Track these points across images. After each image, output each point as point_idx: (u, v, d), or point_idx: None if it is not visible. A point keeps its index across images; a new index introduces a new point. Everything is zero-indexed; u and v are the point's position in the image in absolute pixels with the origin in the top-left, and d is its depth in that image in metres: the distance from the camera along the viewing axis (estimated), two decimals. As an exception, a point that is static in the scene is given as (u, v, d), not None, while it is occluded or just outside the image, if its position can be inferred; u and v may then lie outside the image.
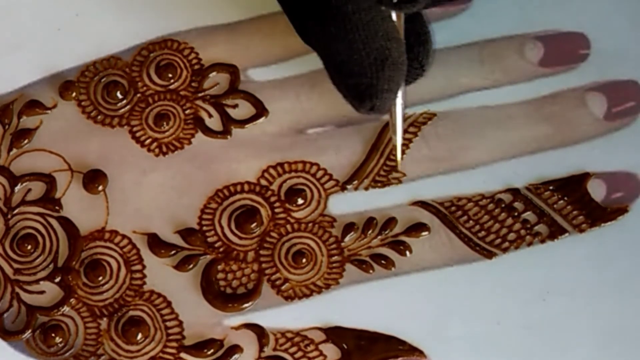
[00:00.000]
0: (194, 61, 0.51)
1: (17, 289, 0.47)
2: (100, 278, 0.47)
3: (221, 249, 0.47)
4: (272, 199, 0.48)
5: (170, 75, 0.50)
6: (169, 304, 0.46)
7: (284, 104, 0.50)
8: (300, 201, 0.48)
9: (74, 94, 0.50)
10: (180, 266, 0.47)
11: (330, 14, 0.43)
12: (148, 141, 0.49)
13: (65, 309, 0.46)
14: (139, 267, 0.47)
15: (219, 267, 0.47)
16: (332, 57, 0.44)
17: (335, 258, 0.47)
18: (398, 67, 0.44)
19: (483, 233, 0.47)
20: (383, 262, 0.47)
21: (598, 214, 0.47)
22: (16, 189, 0.48)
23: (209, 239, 0.47)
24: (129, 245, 0.47)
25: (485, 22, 0.51)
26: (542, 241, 0.47)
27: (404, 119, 0.47)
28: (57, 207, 0.48)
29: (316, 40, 0.45)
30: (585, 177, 0.48)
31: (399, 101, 0.46)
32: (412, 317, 0.46)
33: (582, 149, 0.49)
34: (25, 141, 0.49)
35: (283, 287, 0.47)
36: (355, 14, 0.43)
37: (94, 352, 0.46)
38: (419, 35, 0.46)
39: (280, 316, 0.46)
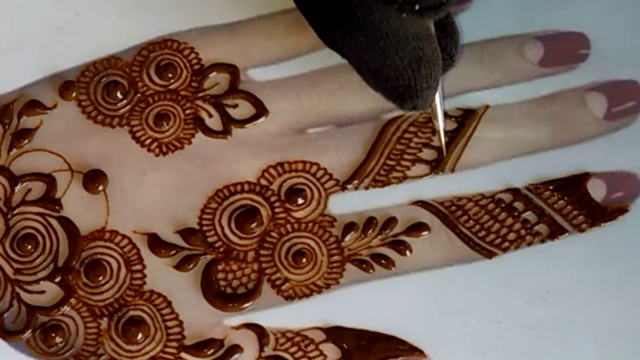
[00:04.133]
0: (194, 61, 0.51)
1: (18, 289, 0.47)
2: (101, 278, 0.47)
3: (221, 249, 0.47)
4: (272, 198, 0.48)
5: (170, 75, 0.50)
6: (169, 303, 0.46)
7: (284, 104, 0.50)
8: (300, 201, 0.48)
9: (74, 94, 0.50)
10: (181, 266, 0.47)
11: (358, 25, 0.43)
12: (148, 141, 0.49)
13: (66, 308, 0.46)
14: (139, 267, 0.47)
15: (219, 267, 0.47)
16: (365, 65, 0.44)
17: (335, 258, 0.47)
18: (434, 64, 0.44)
19: (483, 233, 0.47)
20: (383, 261, 0.47)
21: (598, 214, 0.47)
22: (16, 188, 0.48)
23: (209, 239, 0.47)
24: (129, 245, 0.47)
25: (485, 22, 0.51)
26: (542, 241, 0.47)
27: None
28: (57, 207, 0.48)
29: (347, 49, 0.45)
30: (585, 177, 0.48)
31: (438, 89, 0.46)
32: (412, 317, 0.46)
33: (582, 148, 0.49)
34: (26, 141, 0.49)
35: (283, 287, 0.47)
36: (384, 22, 0.43)
37: (94, 352, 0.46)
38: (445, 27, 0.46)
39: (280, 316, 0.46)
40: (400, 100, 0.45)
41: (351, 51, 0.44)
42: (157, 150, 0.49)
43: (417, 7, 0.42)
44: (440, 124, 0.48)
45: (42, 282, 0.47)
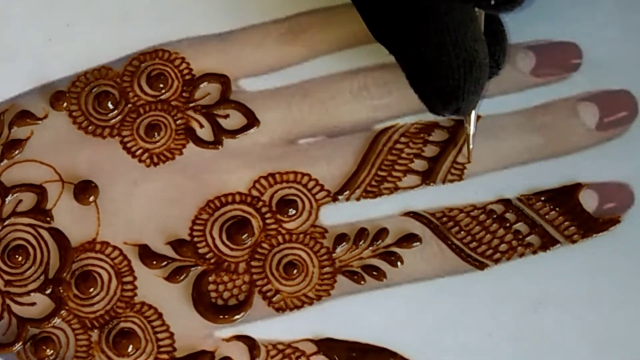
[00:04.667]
0: (185, 71, 0.51)
1: (8, 301, 0.47)
2: (91, 289, 0.47)
3: (212, 260, 0.47)
4: (264, 209, 0.48)
5: (161, 86, 0.50)
6: (160, 315, 0.46)
7: (276, 114, 0.50)
8: (291, 212, 0.48)
9: (65, 104, 0.50)
10: (172, 277, 0.47)
11: (422, 14, 0.43)
12: (139, 152, 0.49)
13: (56, 320, 0.46)
14: (130, 278, 0.47)
15: (210, 279, 0.47)
16: (417, 58, 0.44)
17: (326, 269, 0.47)
18: (483, 69, 0.44)
19: (475, 244, 0.47)
20: (374, 273, 0.47)
21: (590, 225, 0.47)
22: (7, 200, 0.48)
23: (200, 250, 0.47)
24: (120, 256, 0.47)
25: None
26: (534, 252, 0.47)
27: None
28: (48, 218, 0.48)
29: (400, 40, 0.45)
30: (577, 187, 0.48)
31: None
32: (403, 329, 0.46)
33: (574, 159, 0.48)
34: (16, 152, 0.49)
35: (274, 299, 0.46)
36: (447, 15, 0.43)
37: (84, 365, 0.46)
38: (496, 34, 0.46)
39: (271, 327, 0.46)
40: (444, 101, 0.44)
41: (407, 42, 0.44)
42: (148, 161, 0.49)
43: (493, 1, 0.42)
44: (472, 129, 0.48)
45: (32, 294, 0.47)
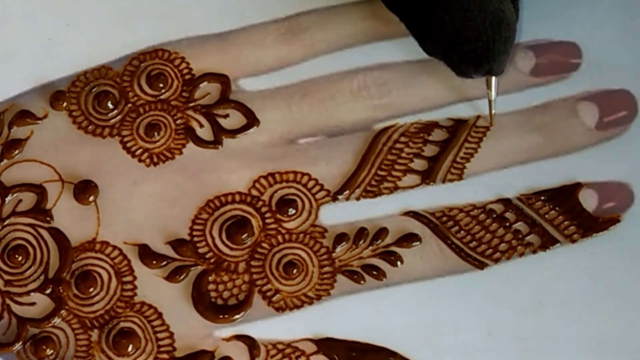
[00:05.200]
0: (185, 71, 0.51)
1: (8, 301, 0.47)
2: (91, 289, 0.47)
3: (212, 260, 0.47)
4: (263, 209, 0.48)
5: (161, 85, 0.50)
6: (159, 315, 0.46)
7: (275, 114, 0.50)
8: (291, 211, 0.48)
9: (64, 104, 0.50)
10: (171, 277, 0.47)
11: None
12: (139, 151, 0.49)
13: (56, 320, 0.46)
14: (129, 278, 0.47)
15: (210, 278, 0.47)
16: (443, 27, 0.45)
17: (326, 269, 0.47)
18: (512, 27, 0.45)
19: (474, 243, 0.47)
20: (374, 272, 0.47)
21: (590, 224, 0.47)
22: (7, 199, 0.48)
23: (200, 250, 0.47)
24: (120, 256, 0.47)
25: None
26: (534, 252, 0.47)
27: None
28: (48, 218, 0.48)
29: (422, 12, 0.45)
30: (576, 187, 0.48)
31: None
32: (403, 328, 0.46)
33: (573, 158, 0.49)
34: (16, 151, 0.49)
35: (274, 298, 0.46)
36: None
37: (84, 364, 0.46)
38: None
39: (271, 327, 0.46)
40: (475, 63, 0.45)
41: (430, 14, 0.45)
42: (148, 161, 0.49)
43: None
44: (494, 94, 0.48)
45: (32, 294, 0.47)
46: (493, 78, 0.48)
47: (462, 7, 0.44)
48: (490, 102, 0.48)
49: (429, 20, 0.45)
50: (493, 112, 0.48)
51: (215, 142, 0.49)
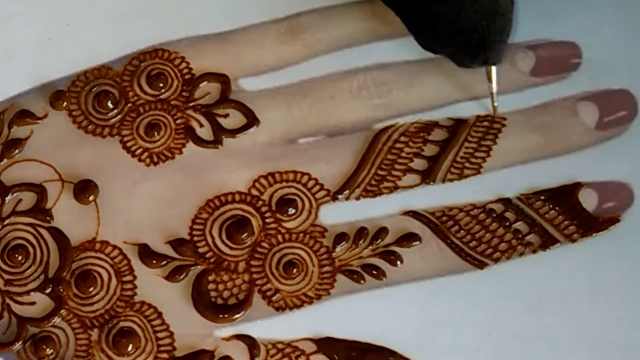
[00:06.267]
0: (185, 71, 0.51)
1: (8, 300, 0.47)
2: (91, 289, 0.47)
3: (212, 260, 0.47)
4: (263, 209, 0.48)
5: (161, 85, 0.50)
6: (159, 314, 0.46)
7: (275, 114, 0.50)
8: (291, 211, 0.48)
9: (64, 104, 0.50)
10: (171, 277, 0.47)
11: None
12: (139, 151, 0.49)
13: (56, 320, 0.46)
14: (129, 277, 0.47)
15: (210, 278, 0.47)
16: (438, 18, 0.45)
17: (326, 268, 0.47)
18: (507, 17, 0.45)
19: (474, 243, 0.47)
20: (374, 272, 0.47)
21: (590, 224, 0.47)
22: (7, 199, 0.48)
23: (200, 250, 0.47)
24: (120, 255, 0.47)
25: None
26: (534, 251, 0.47)
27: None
28: (48, 218, 0.48)
29: (417, 6, 0.45)
30: (576, 186, 0.48)
31: None
32: (403, 328, 0.46)
33: (573, 158, 0.49)
34: (16, 151, 0.49)
35: (274, 298, 0.46)
36: None
37: (84, 364, 0.46)
38: None
39: (271, 327, 0.46)
40: (472, 54, 0.45)
41: (426, 6, 0.45)
42: (147, 160, 0.49)
43: None
44: (494, 85, 0.48)
45: (32, 293, 0.47)
46: (493, 69, 0.48)
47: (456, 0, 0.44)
48: (492, 94, 0.48)
49: (424, 13, 0.45)
50: (495, 104, 0.48)
51: (215, 142, 0.49)
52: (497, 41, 0.45)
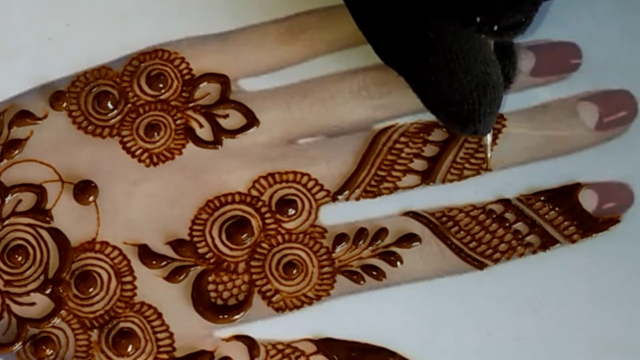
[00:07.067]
0: (185, 71, 0.51)
1: (8, 301, 0.47)
2: (91, 289, 0.47)
3: (212, 260, 0.47)
4: (263, 209, 0.48)
5: (161, 86, 0.50)
6: (159, 315, 0.46)
7: (275, 114, 0.50)
8: (291, 212, 0.48)
9: (64, 104, 0.50)
10: (171, 277, 0.47)
11: (430, 47, 0.43)
12: (139, 151, 0.49)
13: (56, 320, 0.46)
14: (129, 278, 0.47)
15: (210, 278, 0.47)
16: (430, 87, 0.44)
17: (326, 269, 0.47)
18: (498, 89, 0.44)
19: (474, 244, 0.47)
20: (374, 273, 0.47)
21: (590, 225, 0.47)
22: (6, 199, 0.48)
23: (200, 250, 0.47)
24: (120, 256, 0.47)
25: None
26: (534, 252, 0.47)
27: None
28: (47, 218, 0.48)
29: (412, 70, 0.45)
30: (576, 187, 0.48)
31: None
32: (403, 329, 0.46)
33: (573, 159, 0.48)
34: (16, 152, 0.49)
35: (274, 299, 0.46)
36: (455, 44, 0.43)
37: (84, 364, 0.46)
38: (506, 49, 0.47)
39: (271, 327, 0.46)
40: (462, 125, 0.45)
41: (417, 72, 0.45)
42: (147, 161, 0.49)
43: (495, 27, 0.42)
44: (489, 137, 0.48)
45: (32, 294, 0.47)
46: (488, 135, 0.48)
47: (448, 69, 0.43)
48: (485, 145, 0.48)
49: (417, 79, 0.45)
50: (489, 155, 0.48)
51: (215, 142, 0.49)
52: (487, 113, 0.44)
